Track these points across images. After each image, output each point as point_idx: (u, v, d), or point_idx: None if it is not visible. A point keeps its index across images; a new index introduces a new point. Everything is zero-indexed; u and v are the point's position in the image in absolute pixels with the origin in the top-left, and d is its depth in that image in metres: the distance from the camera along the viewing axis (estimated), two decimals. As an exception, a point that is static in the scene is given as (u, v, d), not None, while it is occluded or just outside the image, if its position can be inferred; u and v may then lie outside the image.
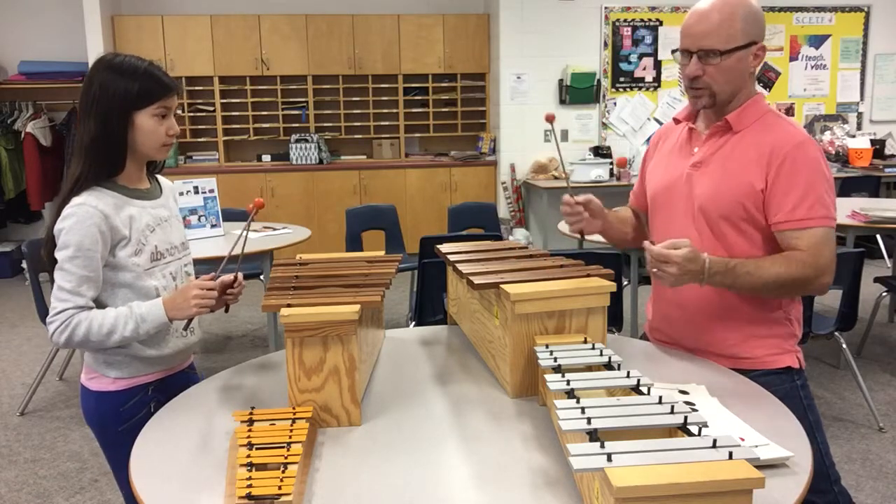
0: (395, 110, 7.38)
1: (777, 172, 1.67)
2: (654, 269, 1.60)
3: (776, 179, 1.67)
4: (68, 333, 1.62)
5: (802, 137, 1.69)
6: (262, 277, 4.52)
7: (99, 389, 1.76)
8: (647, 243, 1.63)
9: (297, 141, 7.06)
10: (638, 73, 7.23)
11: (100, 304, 1.70)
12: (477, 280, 1.64)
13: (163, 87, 1.69)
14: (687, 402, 1.45)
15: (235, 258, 1.76)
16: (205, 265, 2.74)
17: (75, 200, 1.64)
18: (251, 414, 1.38)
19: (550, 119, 1.82)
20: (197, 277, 1.77)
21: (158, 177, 1.91)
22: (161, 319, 1.65)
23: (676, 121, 1.93)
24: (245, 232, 1.70)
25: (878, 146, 7.17)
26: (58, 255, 1.63)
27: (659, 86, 7.27)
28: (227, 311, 1.86)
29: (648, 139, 7.25)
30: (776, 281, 1.64)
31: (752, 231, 1.72)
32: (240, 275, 1.81)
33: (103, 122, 1.66)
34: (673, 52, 1.82)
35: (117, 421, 1.75)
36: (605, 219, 1.94)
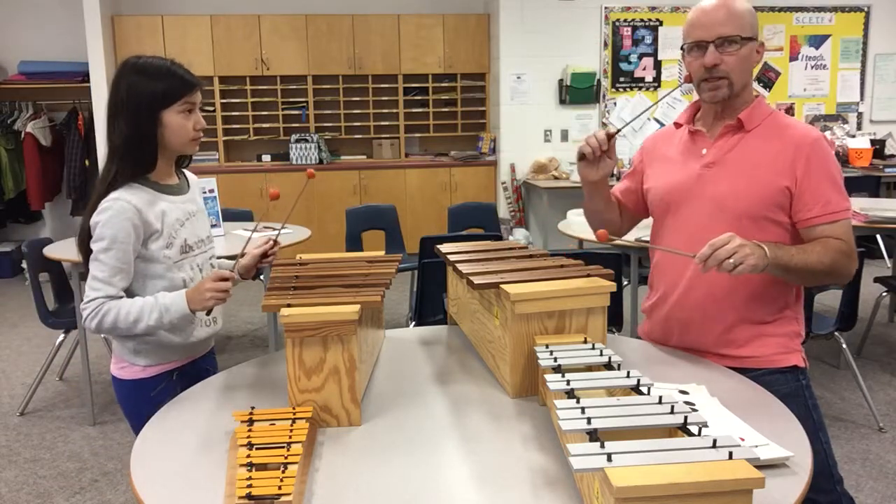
0: (395, 110, 7.38)
1: (806, 169, 1.70)
2: (730, 260, 1.49)
3: (806, 176, 1.70)
4: (98, 320, 1.70)
5: (817, 134, 1.75)
6: (262, 277, 4.52)
7: (131, 378, 1.86)
8: (697, 258, 1.53)
9: (297, 141, 7.06)
10: (638, 73, 7.23)
11: (131, 294, 1.79)
12: (477, 280, 1.64)
13: (186, 84, 1.79)
14: (687, 402, 1.45)
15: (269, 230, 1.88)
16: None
17: (112, 195, 1.72)
18: (251, 414, 1.38)
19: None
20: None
21: (185, 172, 2.00)
22: (183, 310, 1.72)
23: (678, 125, 1.93)
24: (255, 225, 1.84)
25: (878, 146, 7.17)
26: (93, 246, 1.72)
27: (659, 86, 7.27)
28: (255, 278, 2.00)
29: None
30: (819, 266, 1.65)
31: (770, 227, 1.73)
32: (277, 239, 1.98)
33: (134, 123, 1.75)
34: (682, 48, 1.80)
35: (150, 406, 1.78)
36: (606, 177, 1.87)
